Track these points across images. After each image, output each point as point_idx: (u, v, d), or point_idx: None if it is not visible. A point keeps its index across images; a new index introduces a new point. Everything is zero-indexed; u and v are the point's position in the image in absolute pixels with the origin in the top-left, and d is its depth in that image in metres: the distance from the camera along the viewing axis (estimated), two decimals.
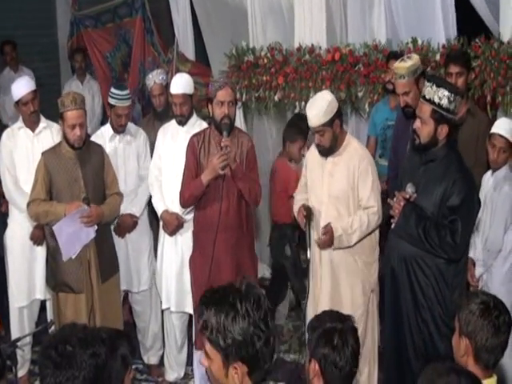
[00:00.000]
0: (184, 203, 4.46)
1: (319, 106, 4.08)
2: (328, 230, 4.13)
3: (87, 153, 4.52)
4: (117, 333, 2.69)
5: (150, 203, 5.01)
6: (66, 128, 4.39)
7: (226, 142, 4.15)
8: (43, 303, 5.04)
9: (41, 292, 4.90)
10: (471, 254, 4.41)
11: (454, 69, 4.68)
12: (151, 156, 4.99)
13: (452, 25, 5.55)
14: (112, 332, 2.68)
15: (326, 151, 4.20)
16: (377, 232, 4.33)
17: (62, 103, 4.37)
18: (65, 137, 4.44)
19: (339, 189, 4.18)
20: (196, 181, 4.30)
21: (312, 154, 4.41)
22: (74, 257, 4.38)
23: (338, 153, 4.21)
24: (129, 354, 2.65)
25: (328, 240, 4.14)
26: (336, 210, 4.20)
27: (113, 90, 4.94)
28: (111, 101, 4.91)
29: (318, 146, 4.22)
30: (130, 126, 5.06)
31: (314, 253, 4.29)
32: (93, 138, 4.88)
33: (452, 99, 3.67)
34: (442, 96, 3.67)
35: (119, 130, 4.96)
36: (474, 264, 4.43)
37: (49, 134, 4.87)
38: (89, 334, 2.40)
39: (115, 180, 4.69)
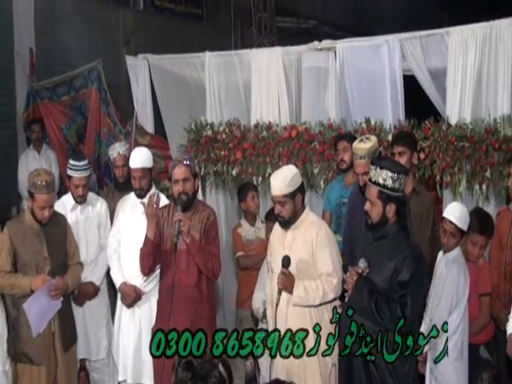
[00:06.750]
0: (141, 265, 4.51)
1: (283, 177, 4.20)
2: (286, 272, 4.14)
3: (51, 225, 4.53)
4: None
5: (107, 272, 5.01)
6: (35, 207, 4.42)
7: (178, 216, 4.29)
8: None
9: None
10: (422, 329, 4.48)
11: (396, 149, 4.92)
12: (111, 225, 5.02)
13: (401, 109, 5.80)
14: None
15: (285, 222, 4.28)
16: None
17: (33, 184, 4.36)
18: (32, 213, 4.46)
19: (299, 260, 4.21)
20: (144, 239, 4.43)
21: (274, 232, 4.50)
22: (41, 331, 4.35)
23: (297, 225, 4.28)
24: None
25: (287, 279, 4.14)
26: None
27: (71, 161, 5.02)
28: (69, 172, 4.98)
29: (277, 215, 4.30)
30: (91, 195, 5.10)
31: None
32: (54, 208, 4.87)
33: (396, 178, 3.85)
34: (385, 177, 3.85)
35: (79, 200, 5.00)
36: None
37: None
38: None
39: (77, 250, 4.72)
